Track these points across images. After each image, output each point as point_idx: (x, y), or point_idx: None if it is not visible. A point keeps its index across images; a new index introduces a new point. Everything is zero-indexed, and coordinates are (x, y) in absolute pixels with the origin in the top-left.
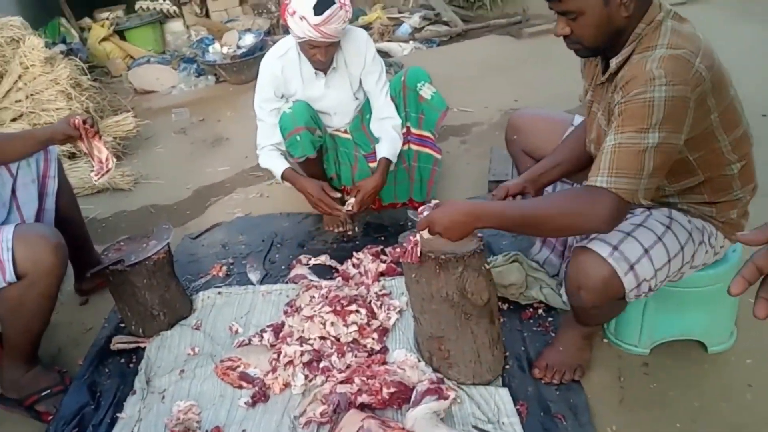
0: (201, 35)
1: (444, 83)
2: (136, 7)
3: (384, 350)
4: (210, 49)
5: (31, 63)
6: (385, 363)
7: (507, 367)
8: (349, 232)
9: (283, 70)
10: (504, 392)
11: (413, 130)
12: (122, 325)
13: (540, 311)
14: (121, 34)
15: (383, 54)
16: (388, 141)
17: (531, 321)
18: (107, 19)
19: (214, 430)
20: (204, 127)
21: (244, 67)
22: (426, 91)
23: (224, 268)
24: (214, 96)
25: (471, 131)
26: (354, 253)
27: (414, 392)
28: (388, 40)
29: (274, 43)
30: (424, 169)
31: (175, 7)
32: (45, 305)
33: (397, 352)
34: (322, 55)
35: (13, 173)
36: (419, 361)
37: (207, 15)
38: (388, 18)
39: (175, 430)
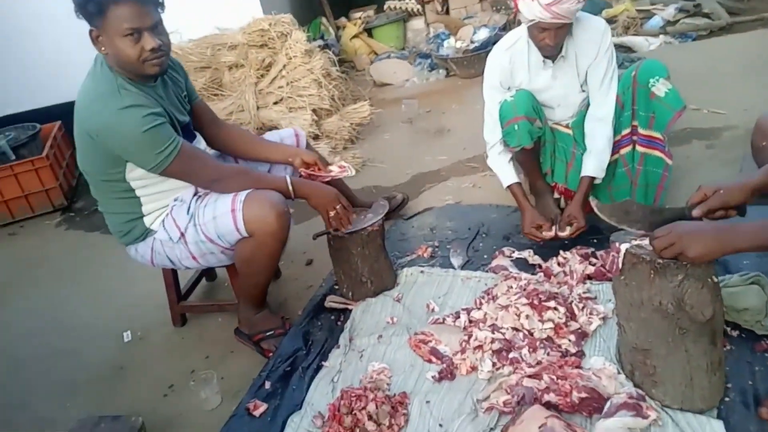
0: (439, 31)
1: (694, 81)
2: (385, 6)
3: (580, 354)
4: (444, 44)
5: (294, 54)
6: (579, 367)
7: (726, 399)
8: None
9: (510, 60)
10: (718, 425)
11: (641, 131)
12: (336, 287)
13: None
14: (369, 31)
15: (625, 49)
16: (595, 155)
17: (766, 355)
18: (359, 18)
19: (401, 395)
20: (429, 118)
21: (475, 61)
22: (660, 88)
23: (429, 249)
24: (442, 89)
25: (721, 136)
26: (561, 252)
27: (608, 403)
28: (634, 34)
29: None
30: (651, 173)
31: (418, 6)
32: (269, 263)
33: (594, 359)
34: (551, 38)
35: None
36: (619, 372)
37: (447, 12)
38: (637, 10)
39: (368, 386)
